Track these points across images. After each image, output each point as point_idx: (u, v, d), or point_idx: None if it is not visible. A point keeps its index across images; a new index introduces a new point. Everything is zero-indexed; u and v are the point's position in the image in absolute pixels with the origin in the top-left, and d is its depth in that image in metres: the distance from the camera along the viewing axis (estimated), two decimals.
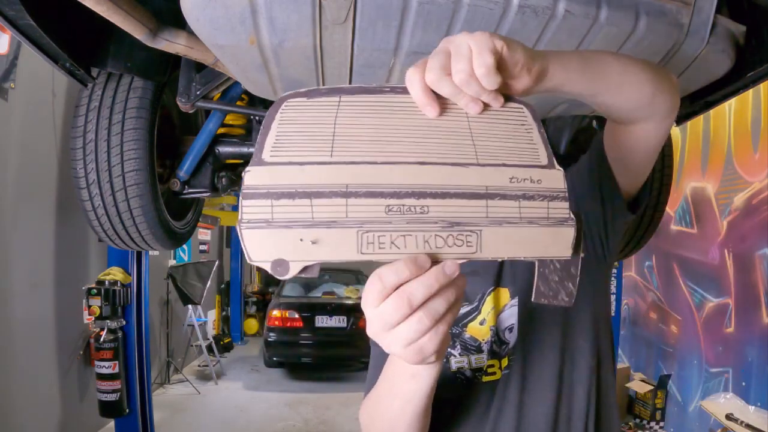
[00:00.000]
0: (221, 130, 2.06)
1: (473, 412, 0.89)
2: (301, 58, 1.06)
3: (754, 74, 1.22)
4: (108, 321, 3.95)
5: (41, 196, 3.92)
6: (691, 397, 4.26)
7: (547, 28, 0.97)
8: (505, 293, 0.93)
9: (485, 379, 0.90)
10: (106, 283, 3.96)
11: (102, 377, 3.94)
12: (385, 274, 0.50)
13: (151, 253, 4.52)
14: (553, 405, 0.87)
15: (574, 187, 0.93)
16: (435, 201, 0.52)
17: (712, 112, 3.30)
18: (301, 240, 0.50)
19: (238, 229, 0.50)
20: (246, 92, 1.66)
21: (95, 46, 1.53)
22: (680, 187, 4.51)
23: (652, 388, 4.68)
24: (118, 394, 3.97)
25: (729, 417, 3.27)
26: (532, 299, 0.56)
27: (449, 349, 0.91)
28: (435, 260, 0.52)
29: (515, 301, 0.92)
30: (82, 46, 1.48)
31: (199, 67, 1.54)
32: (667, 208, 2.26)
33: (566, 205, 0.54)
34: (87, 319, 4.12)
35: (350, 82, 1.16)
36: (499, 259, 0.53)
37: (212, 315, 8.61)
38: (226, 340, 8.68)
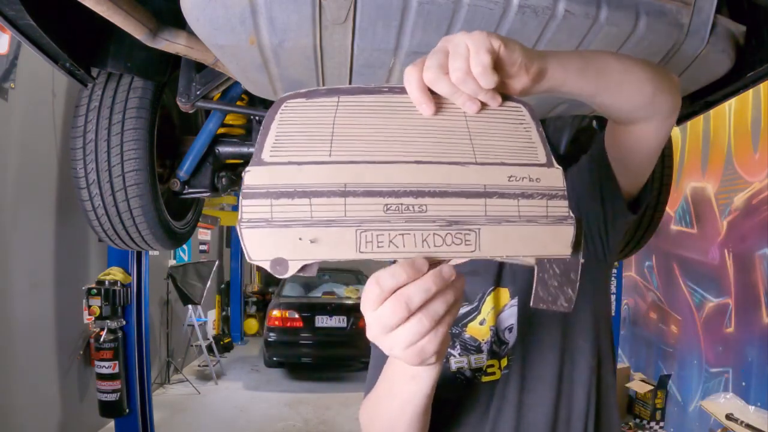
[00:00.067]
0: (221, 130, 2.06)
1: (473, 412, 0.89)
2: (301, 58, 1.06)
3: (754, 74, 1.22)
4: (108, 321, 3.95)
5: (41, 196, 3.92)
6: (691, 397, 4.26)
7: (547, 28, 0.97)
8: (505, 293, 0.93)
9: (485, 379, 0.90)
10: (106, 283, 3.96)
11: (102, 377, 3.94)
12: (382, 278, 0.50)
13: (151, 253, 4.52)
14: (553, 405, 0.87)
15: (574, 187, 0.93)
16: (433, 200, 0.52)
17: (712, 112, 3.30)
18: (300, 239, 0.50)
19: (238, 229, 0.50)
20: (246, 92, 1.66)
21: (95, 46, 1.53)
22: (680, 187, 4.51)
23: (652, 388, 4.68)
24: (118, 394, 3.97)
25: (729, 417, 3.27)
26: (531, 304, 0.56)
27: (449, 350, 0.91)
28: (432, 262, 0.52)
29: (515, 301, 0.92)
30: (82, 46, 1.48)
31: (199, 67, 1.54)
32: (667, 208, 2.26)
33: (565, 203, 0.54)
34: (87, 319, 4.12)
35: (350, 82, 1.16)
36: (498, 258, 0.53)
37: (212, 315, 8.61)
38: (226, 340, 8.68)
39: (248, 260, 0.50)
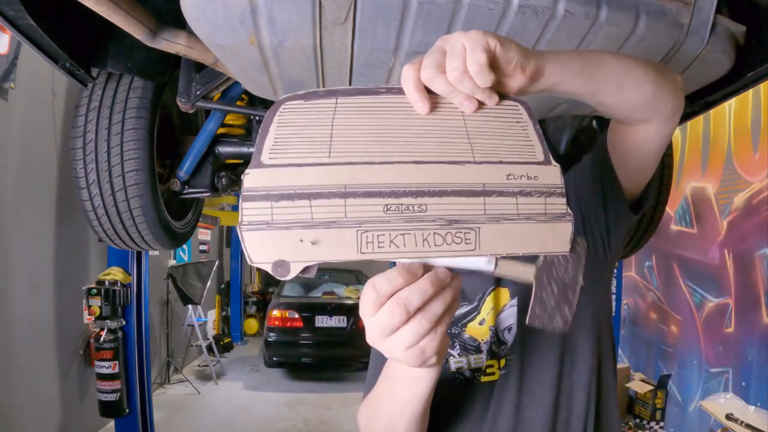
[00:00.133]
0: (221, 130, 2.06)
1: (472, 412, 0.89)
2: (301, 58, 1.06)
3: (754, 74, 1.22)
4: (108, 321, 3.95)
5: (41, 196, 3.92)
6: (691, 397, 4.26)
7: (547, 28, 0.97)
8: (505, 293, 0.93)
9: (484, 379, 0.90)
10: (106, 283, 3.96)
11: (102, 377, 3.94)
12: (379, 283, 0.51)
13: (151, 253, 4.52)
14: (552, 406, 0.87)
15: (576, 187, 0.93)
16: (433, 199, 0.52)
17: (712, 112, 3.30)
18: (301, 241, 0.50)
19: (238, 231, 0.50)
20: (246, 92, 1.66)
21: (95, 46, 1.53)
22: (680, 187, 4.51)
23: (652, 388, 4.68)
24: (118, 394, 3.97)
25: (729, 417, 3.27)
26: (527, 322, 0.56)
27: (448, 350, 0.91)
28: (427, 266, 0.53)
29: (515, 301, 0.92)
30: (82, 46, 1.48)
31: (199, 67, 1.54)
32: (667, 208, 2.26)
33: (563, 200, 0.55)
34: (87, 319, 4.12)
35: (350, 83, 1.16)
36: (497, 256, 0.53)
37: (212, 315, 8.61)
38: (226, 340, 8.68)
39: (249, 263, 0.50)
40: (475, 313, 0.93)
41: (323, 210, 0.50)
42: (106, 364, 3.93)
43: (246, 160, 2.14)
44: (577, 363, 0.89)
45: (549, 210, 0.54)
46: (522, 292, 0.91)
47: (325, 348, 6.82)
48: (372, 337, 0.53)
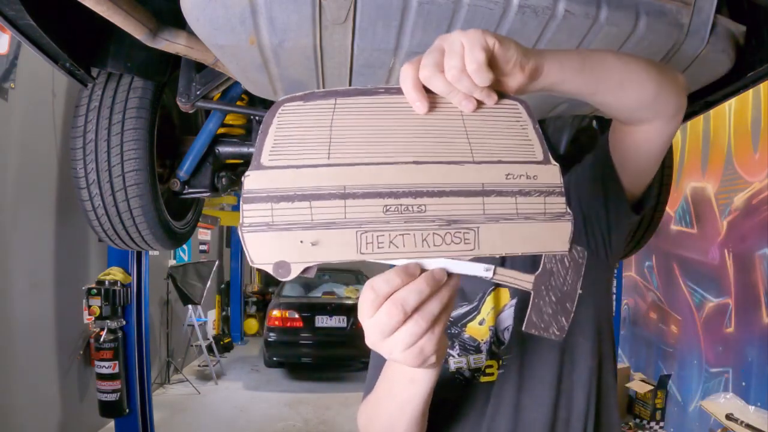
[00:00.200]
0: (221, 130, 2.06)
1: (471, 412, 0.89)
2: (301, 58, 1.06)
3: (754, 74, 1.22)
4: (108, 321, 3.96)
5: (41, 196, 3.92)
6: (691, 397, 4.26)
7: (547, 28, 0.97)
8: (505, 293, 0.93)
9: (483, 379, 0.90)
10: (106, 283, 3.96)
11: (102, 377, 3.94)
12: (377, 284, 0.51)
13: (151, 253, 4.53)
14: (552, 406, 0.86)
15: (577, 186, 0.92)
16: (432, 200, 0.52)
17: (712, 112, 3.29)
18: (302, 242, 0.50)
19: (239, 233, 0.51)
20: (246, 92, 1.66)
21: (95, 46, 1.53)
22: (680, 187, 4.51)
23: (652, 388, 4.68)
24: (118, 394, 3.97)
25: (729, 417, 3.27)
26: (523, 329, 0.56)
27: (448, 350, 0.91)
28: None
29: (515, 301, 0.92)
30: (82, 46, 1.48)
31: (199, 67, 1.54)
32: (667, 208, 2.26)
33: (562, 200, 0.55)
34: (87, 319, 4.12)
35: (350, 83, 1.16)
36: (497, 255, 0.53)
37: (212, 315, 8.61)
38: (226, 340, 8.68)
39: (251, 264, 0.51)
40: (475, 313, 0.93)
41: (323, 211, 0.51)
42: (106, 364, 3.94)
43: (246, 160, 2.14)
44: (577, 363, 0.89)
45: (548, 209, 0.54)
46: (522, 292, 0.91)
47: (325, 348, 6.82)
48: (371, 339, 0.53)
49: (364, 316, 0.52)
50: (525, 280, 0.56)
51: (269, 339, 6.85)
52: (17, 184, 3.57)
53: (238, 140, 2.10)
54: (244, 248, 0.51)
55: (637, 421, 4.85)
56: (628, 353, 5.56)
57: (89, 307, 3.94)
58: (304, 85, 1.18)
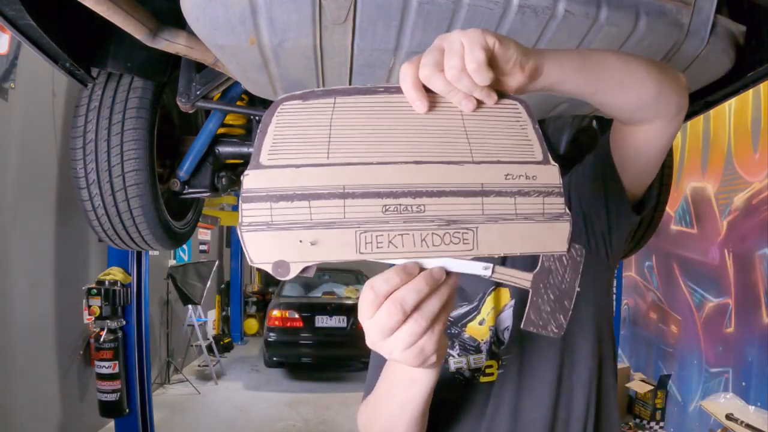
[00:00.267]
0: (221, 130, 2.06)
1: (470, 412, 0.89)
2: (301, 58, 1.06)
3: (754, 74, 1.22)
4: (108, 321, 3.96)
5: (41, 196, 3.92)
6: (691, 397, 4.26)
7: (547, 28, 0.97)
8: (505, 293, 0.92)
9: (483, 379, 0.90)
10: (106, 283, 3.96)
11: (102, 377, 3.94)
12: (376, 284, 0.51)
13: (151, 253, 4.52)
14: (551, 406, 0.86)
15: (578, 186, 0.92)
16: (431, 200, 0.52)
17: (712, 112, 3.29)
18: (301, 241, 0.50)
19: (239, 232, 0.51)
20: (246, 92, 1.66)
21: (95, 46, 1.53)
22: (680, 187, 4.51)
23: (652, 388, 4.68)
24: (118, 394, 3.97)
25: (729, 417, 3.27)
26: (522, 326, 0.56)
27: (448, 350, 0.91)
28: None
29: (515, 301, 0.91)
30: (82, 46, 1.48)
31: (199, 67, 1.54)
32: (667, 208, 2.26)
33: (561, 200, 0.55)
34: (87, 319, 4.12)
35: (350, 83, 1.16)
36: (496, 256, 0.54)
37: (212, 315, 8.61)
38: (226, 340, 8.68)
39: (250, 263, 0.51)
40: (475, 313, 0.93)
41: (322, 211, 0.51)
42: (106, 364, 3.93)
43: (246, 160, 2.14)
44: (577, 363, 0.89)
45: (547, 210, 0.54)
46: (522, 293, 0.90)
47: (325, 348, 6.82)
48: (371, 339, 0.53)
49: (364, 317, 0.53)
50: (523, 278, 0.56)
51: (269, 339, 6.85)
52: (17, 184, 3.57)
53: (238, 140, 2.10)
54: (244, 248, 0.51)
55: (637, 421, 4.85)
56: (628, 353, 5.56)
57: (89, 307, 3.94)
58: (304, 85, 1.18)
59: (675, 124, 0.77)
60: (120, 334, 4.02)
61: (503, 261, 0.92)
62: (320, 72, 1.13)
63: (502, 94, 0.56)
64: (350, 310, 6.80)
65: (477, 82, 0.52)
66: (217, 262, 7.64)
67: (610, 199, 0.89)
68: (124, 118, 1.70)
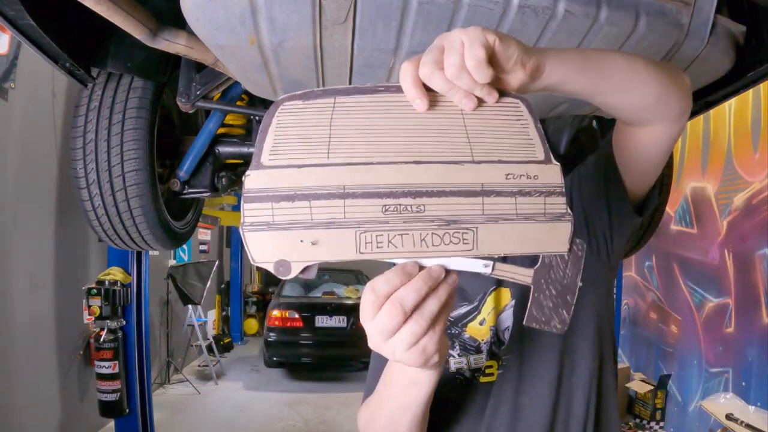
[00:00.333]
0: (221, 130, 2.06)
1: (470, 412, 0.89)
2: (301, 58, 1.06)
3: (754, 74, 1.22)
4: (108, 321, 3.96)
5: (41, 196, 3.92)
6: (691, 397, 4.26)
7: (547, 28, 0.97)
8: (506, 293, 0.92)
9: (483, 379, 0.89)
10: (106, 283, 3.96)
11: (102, 377, 3.94)
12: (376, 285, 0.52)
13: (151, 253, 4.52)
14: (551, 407, 0.86)
15: (580, 186, 0.92)
16: (431, 200, 0.52)
17: (712, 112, 3.29)
18: (302, 241, 0.51)
19: (240, 232, 0.51)
20: (246, 92, 1.66)
21: (95, 46, 1.53)
22: (680, 187, 4.51)
23: (652, 388, 4.68)
24: (118, 394, 3.97)
25: (729, 417, 3.27)
26: (524, 323, 0.56)
27: (448, 350, 0.91)
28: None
29: (515, 301, 0.91)
30: (82, 46, 1.48)
31: (199, 67, 1.54)
32: (667, 208, 2.26)
33: (563, 200, 0.54)
34: (87, 319, 4.12)
35: (350, 82, 1.16)
36: (496, 256, 0.53)
37: (212, 315, 8.61)
38: (226, 340, 8.68)
39: (252, 262, 0.51)
40: (476, 313, 0.92)
41: (322, 211, 0.51)
42: (106, 364, 3.93)
43: (246, 160, 2.14)
44: (577, 364, 0.88)
45: (548, 210, 0.54)
46: (522, 293, 0.90)
47: (325, 348, 6.82)
48: (373, 341, 0.53)
49: (365, 319, 0.53)
50: (524, 275, 0.55)
51: (269, 339, 6.85)
52: (17, 184, 3.57)
53: (238, 140, 2.10)
54: (246, 247, 0.51)
55: (637, 421, 4.85)
56: (628, 353, 5.56)
57: (89, 307, 3.94)
58: (304, 85, 1.18)
59: (678, 126, 0.76)
60: (120, 334, 4.02)
61: (504, 258, 0.92)
62: (320, 72, 1.13)
63: (503, 93, 0.56)
64: (350, 310, 6.80)
65: (477, 80, 0.52)
66: (217, 262, 7.64)
67: (611, 199, 0.89)
68: (124, 118, 1.70)
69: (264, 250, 0.51)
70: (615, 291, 4.88)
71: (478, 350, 0.91)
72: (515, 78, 0.56)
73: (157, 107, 1.77)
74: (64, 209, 4.08)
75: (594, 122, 1.94)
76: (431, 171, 0.53)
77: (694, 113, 1.54)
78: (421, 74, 0.52)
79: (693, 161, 4.43)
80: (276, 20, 0.94)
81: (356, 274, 8.36)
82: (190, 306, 6.76)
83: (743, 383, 3.59)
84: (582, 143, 1.95)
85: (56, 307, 4.02)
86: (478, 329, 0.92)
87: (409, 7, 0.91)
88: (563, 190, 0.55)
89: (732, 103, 3.81)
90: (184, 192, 2.02)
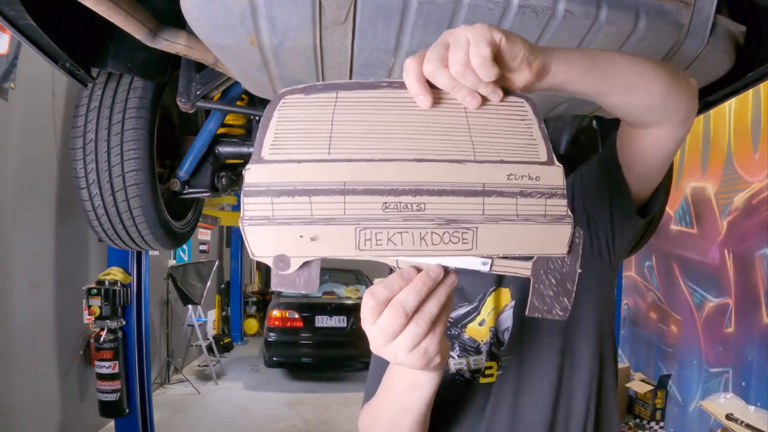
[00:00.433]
0: (221, 130, 2.06)
1: (470, 413, 0.89)
2: (301, 58, 1.06)
3: (754, 74, 1.22)
4: (108, 321, 3.96)
5: (41, 196, 3.92)
6: (691, 397, 4.26)
7: (547, 28, 0.97)
8: (506, 293, 0.92)
9: (482, 380, 0.89)
10: (106, 283, 3.97)
11: (102, 377, 3.95)
12: (376, 291, 0.52)
13: (151, 253, 4.53)
14: (551, 407, 0.86)
15: (582, 187, 0.92)
16: (431, 198, 0.52)
17: (712, 112, 3.29)
18: (301, 236, 0.51)
19: (240, 226, 0.51)
20: (246, 92, 1.66)
21: (95, 46, 1.53)
22: (680, 187, 4.50)
23: (652, 388, 4.68)
24: (118, 394, 3.98)
25: (729, 417, 3.27)
26: (527, 313, 0.56)
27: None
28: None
29: (515, 302, 0.91)
30: (82, 46, 1.48)
31: (199, 67, 1.54)
32: (667, 208, 2.26)
33: (564, 202, 0.54)
34: (87, 319, 4.12)
35: None
36: (495, 256, 0.53)
37: (212, 315, 8.61)
38: (226, 340, 8.68)
39: (251, 257, 0.51)
40: (475, 313, 0.92)
41: (322, 206, 0.51)
42: (106, 364, 3.94)
43: (246, 160, 2.14)
44: (577, 365, 0.88)
45: (549, 211, 0.54)
46: (522, 293, 0.90)
47: (325, 348, 6.82)
48: (375, 345, 0.53)
49: (366, 323, 0.53)
50: (523, 267, 0.55)
51: (269, 339, 6.85)
52: (17, 184, 3.57)
53: (238, 140, 2.10)
54: (245, 241, 0.51)
55: (637, 421, 4.85)
56: (628, 353, 5.56)
57: (89, 307, 3.94)
58: None
59: (684, 129, 0.75)
60: (120, 334, 4.02)
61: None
62: (320, 72, 1.13)
63: (507, 92, 0.55)
64: (350, 310, 6.80)
65: (482, 78, 0.51)
66: (217, 262, 7.64)
67: (614, 200, 0.88)
68: (124, 118, 1.70)
69: (263, 244, 0.51)
70: (615, 291, 4.89)
71: (478, 351, 0.91)
72: (521, 77, 0.55)
73: (157, 107, 1.77)
74: (64, 209, 4.08)
75: (594, 122, 1.94)
76: (433, 169, 0.52)
77: None
78: (425, 71, 0.52)
79: (693, 161, 4.43)
80: (276, 20, 0.94)
81: (356, 274, 8.36)
82: (190, 306, 6.76)
83: (743, 383, 3.59)
84: (582, 143, 1.94)
85: (56, 307, 4.02)
86: (478, 330, 0.92)
87: (409, 7, 0.91)
88: (565, 192, 0.54)
89: (732, 103, 3.81)
90: (184, 192, 2.02)
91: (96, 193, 1.74)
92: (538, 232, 0.53)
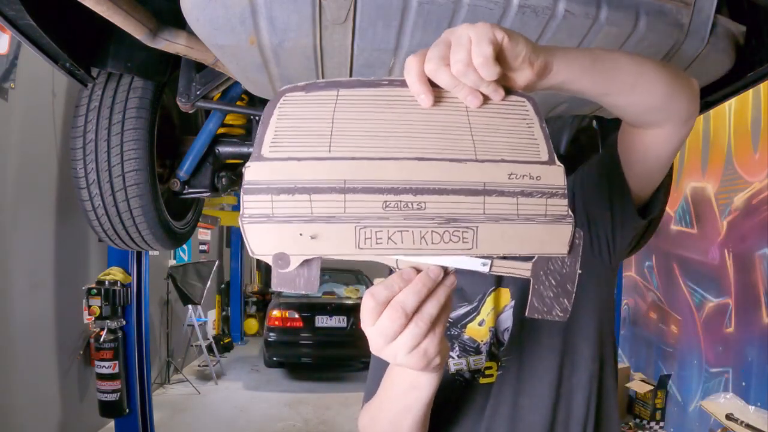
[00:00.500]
0: (221, 130, 2.06)
1: (470, 413, 0.89)
2: (301, 58, 1.06)
3: (754, 74, 1.22)
4: (108, 321, 3.96)
5: (41, 196, 3.92)
6: (691, 397, 4.26)
7: (547, 28, 0.97)
8: (506, 294, 0.92)
9: (482, 380, 0.89)
10: (106, 283, 3.97)
11: (102, 377, 3.95)
12: (376, 292, 0.52)
13: (151, 253, 4.53)
14: (551, 408, 0.86)
15: (583, 186, 0.91)
16: (432, 197, 0.52)
17: (712, 112, 3.29)
18: (301, 234, 0.50)
19: (240, 224, 0.51)
20: (246, 92, 1.66)
21: (95, 46, 1.53)
22: (680, 187, 4.50)
23: (652, 388, 4.68)
24: (118, 394, 3.98)
25: (729, 417, 3.27)
26: (527, 314, 0.56)
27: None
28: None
29: (515, 302, 0.91)
30: (82, 46, 1.48)
31: (199, 67, 1.54)
32: (667, 208, 2.25)
33: (565, 202, 0.54)
34: (87, 319, 4.12)
35: None
36: (495, 256, 0.53)
37: (212, 315, 8.61)
38: (226, 340, 8.68)
39: (251, 255, 0.51)
40: (475, 314, 0.92)
41: (322, 204, 0.51)
42: (106, 364, 3.94)
43: (246, 160, 2.13)
44: (577, 365, 0.88)
45: (550, 211, 0.54)
46: (522, 293, 0.90)
47: (325, 348, 6.82)
48: (375, 346, 0.53)
49: (366, 324, 0.53)
50: (523, 268, 0.55)
51: (269, 339, 6.85)
52: (17, 184, 3.57)
53: (238, 140, 2.10)
54: (245, 239, 0.51)
55: (637, 421, 4.85)
56: (628, 353, 5.56)
57: (89, 307, 3.94)
58: None
59: (685, 129, 0.75)
60: (120, 334, 4.02)
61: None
62: (320, 72, 1.13)
63: (509, 91, 0.55)
64: (350, 310, 6.80)
65: (483, 77, 0.51)
66: (217, 262, 7.63)
67: (614, 201, 0.88)
68: (124, 118, 1.70)
69: (263, 242, 0.51)
70: (615, 291, 4.89)
71: (478, 351, 0.90)
72: (522, 76, 0.55)
73: (157, 107, 1.77)
74: (64, 209, 4.07)
75: (594, 122, 1.94)
76: (433, 168, 0.52)
77: None
78: (427, 69, 0.51)
79: (693, 161, 4.43)
80: (276, 20, 0.94)
81: (356, 274, 8.36)
82: (190, 306, 6.76)
83: (743, 383, 3.59)
84: (582, 143, 1.94)
85: (56, 307, 4.02)
86: (478, 330, 0.92)
87: (409, 7, 0.91)
88: (566, 192, 0.54)
89: (732, 103, 3.81)
90: (184, 192, 2.02)
91: (96, 193, 1.74)
92: (538, 232, 0.53)
